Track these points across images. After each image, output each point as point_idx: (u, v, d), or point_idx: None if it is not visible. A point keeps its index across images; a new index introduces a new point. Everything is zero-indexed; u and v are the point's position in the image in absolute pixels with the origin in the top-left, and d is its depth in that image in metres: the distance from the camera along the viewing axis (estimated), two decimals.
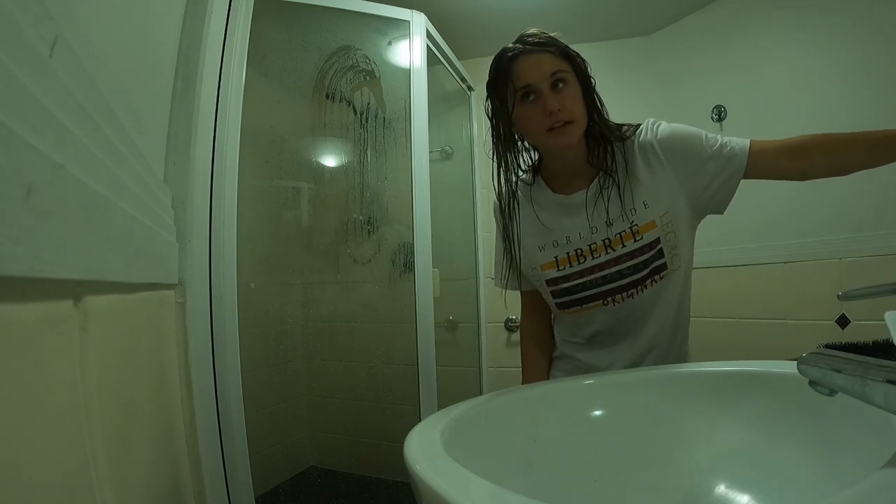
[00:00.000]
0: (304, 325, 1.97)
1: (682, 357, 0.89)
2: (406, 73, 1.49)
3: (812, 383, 0.38)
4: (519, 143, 0.86)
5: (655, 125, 0.83)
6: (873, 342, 0.38)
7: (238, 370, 1.03)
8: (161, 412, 0.68)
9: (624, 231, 0.81)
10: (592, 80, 0.82)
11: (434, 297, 1.42)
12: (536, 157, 0.90)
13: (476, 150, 2.12)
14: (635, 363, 0.86)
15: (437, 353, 1.40)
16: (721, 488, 0.51)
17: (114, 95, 0.52)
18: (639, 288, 0.83)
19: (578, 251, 0.84)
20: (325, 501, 1.76)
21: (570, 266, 0.84)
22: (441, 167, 2.03)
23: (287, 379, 1.91)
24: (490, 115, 0.84)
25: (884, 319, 0.37)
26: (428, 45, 1.55)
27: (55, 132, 0.34)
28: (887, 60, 1.40)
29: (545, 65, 0.77)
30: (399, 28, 1.54)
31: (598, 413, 0.63)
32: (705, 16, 1.85)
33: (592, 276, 0.84)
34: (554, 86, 0.77)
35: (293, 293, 1.94)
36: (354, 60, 1.79)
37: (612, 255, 0.82)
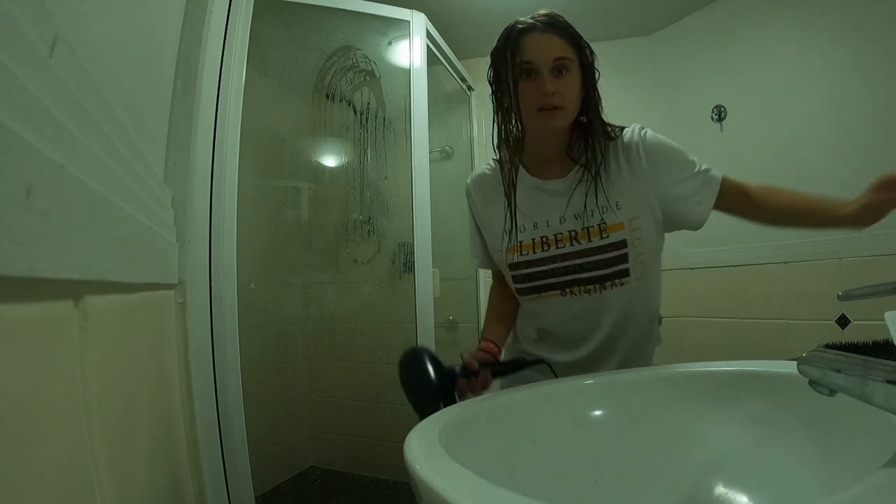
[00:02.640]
0: (304, 325, 1.97)
1: None
2: (406, 73, 1.49)
3: (812, 383, 0.38)
4: (512, 115, 0.83)
5: (643, 130, 0.83)
6: (873, 342, 0.38)
7: (238, 370, 1.03)
8: (161, 412, 0.68)
9: (592, 226, 0.81)
10: (597, 74, 0.82)
11: (434, 297, 1.42)
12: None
13: (476, 149, 2.12)
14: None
15: (437, 353, 1.40)
16: (721, 488, 0.51)
17: (114, 95, 0.52)
18: (597, 286, 0.82)
19: (543, 238, 0.84)
20: (325, 501, 1.76)
21: (534, 252, 0.84)
22: (441, 167, 2.03)
23: (287, 379, 1.91)
24: (491, 81, 0.84)
25: (884, 319, 0.37)
26: (428, 45, 1.55)
27: (55, 132, 0.34)
28: (887, 60, 1.40)
29: (553, 47, 0.76)
30: (399, 28, 1.54)
31: (598, 413, 0.63)
32: (705, 16, 1.85)
33: (554, 266, 0.83)
34: (555, 70, 0.77)
35: (293, 293, 1.94)
36: (354, 60, 1.79)
37: (576, 247, 0.82)
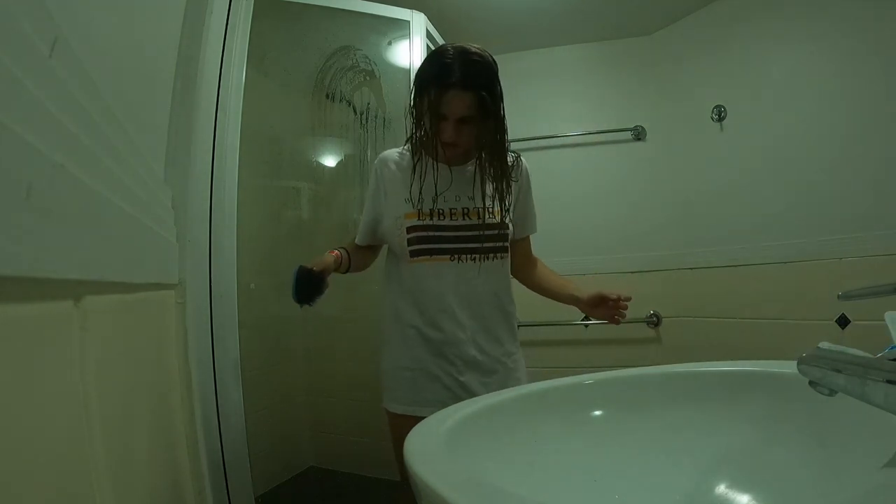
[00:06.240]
0: (304, 325, 1.97)
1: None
2: (406, 73, 1.50)
3: (812, 383, 0.38)
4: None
5: (526, 162, 1.09)
6: None
7: (238, 370, 1.03)
8: (161, 412, 0.68)
9: (480, 207, 0.99)
10: (501, 112, 0.96)
11: None
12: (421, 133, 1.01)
13: None
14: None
15: None
16: (721, 488, 0.51)
17: (114, 95, 0.52)
18: (480, 256, 0.99)
19: (440, 211, 0.99)
20: (325, 501, 1.76)
21: (431, 220, 0.98)
22: None
23: (287, 379, 1.91)
24: (413, 99, 0.98)
25: (884, 319, 0.37)
26: (428, 45, 1.55)
27: (55, 132, 0.34)
28: (886, 60, 1.40)
29: (462, 106, 0.90)
30: (399, 28, 1.54)
31: (598, 412, 0.63)
32: (705, 16, 1.85)
33: (447, 233, 0.99)
34: (460, 121, 0.92)
35: None
36: (354, 60, 1.79)
37: (466, 222, 0.99)
